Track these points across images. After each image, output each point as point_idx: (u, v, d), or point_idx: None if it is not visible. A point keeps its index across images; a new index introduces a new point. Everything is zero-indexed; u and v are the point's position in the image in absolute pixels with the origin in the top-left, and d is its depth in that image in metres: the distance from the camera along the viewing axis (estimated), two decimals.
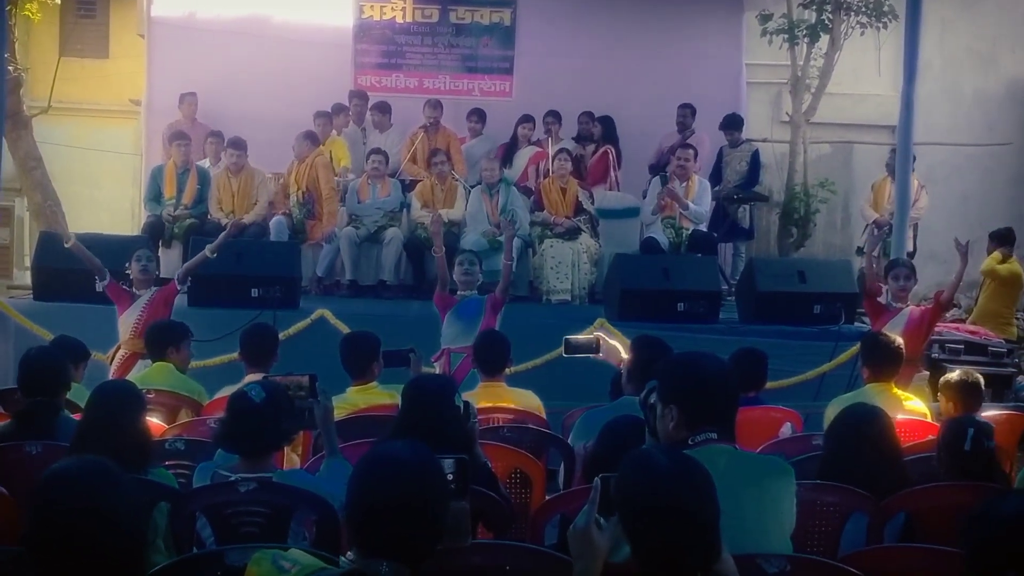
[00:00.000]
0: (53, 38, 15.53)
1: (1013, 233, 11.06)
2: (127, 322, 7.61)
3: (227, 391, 5.15)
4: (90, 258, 7.73)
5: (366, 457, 2.67)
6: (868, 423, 4.31)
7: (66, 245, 7.91)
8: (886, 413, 4.44)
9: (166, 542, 3.81)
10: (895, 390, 5.96)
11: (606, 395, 5.55)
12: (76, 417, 4.66)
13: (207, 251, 7.91)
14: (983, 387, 6.12)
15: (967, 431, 4.38)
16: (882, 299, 8.13)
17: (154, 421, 5.25)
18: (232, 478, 3.82)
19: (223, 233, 8.25)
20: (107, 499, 2.63)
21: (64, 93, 14.48)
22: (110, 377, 7.25)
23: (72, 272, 8.92)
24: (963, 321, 11.05)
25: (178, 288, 7.87)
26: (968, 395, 5.98)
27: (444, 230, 10.32)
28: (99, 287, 7.76)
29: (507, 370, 6.20)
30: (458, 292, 7.73)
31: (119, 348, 7.65)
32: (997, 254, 10.86)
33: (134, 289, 7.71)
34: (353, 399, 5.69)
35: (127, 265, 7.75)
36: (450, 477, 2.86)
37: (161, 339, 6.56)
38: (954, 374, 6.15)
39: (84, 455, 3.05)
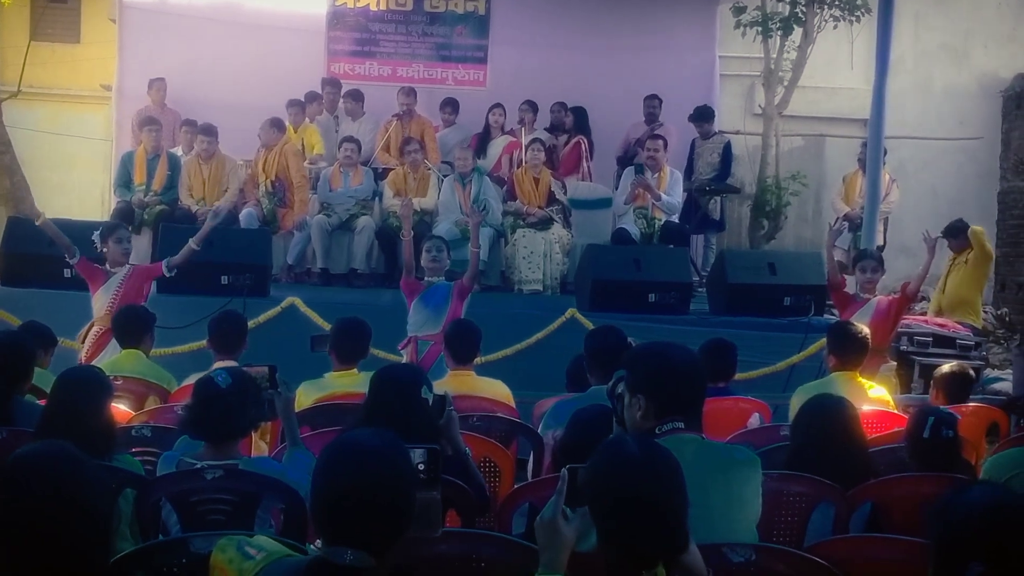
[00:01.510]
0: (24, 22, 15.36)
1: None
2: (102, 299, 7.45)
3: (194, 378, 5.12)
4: (59, 235, 7.62)
5: (331, 445, 2.65)
6: (832, 414, 4.34)
7: (36, 223, 7.85)
8: (851, 403, 4.47)
9: (131, 529, 3.80)
10: (859, 379, 6.03)
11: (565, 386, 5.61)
12: (41, 403, 4.62)
13: (192, 244, 7.78)
14: (973, 381, 6.27)
15: (928, 420, 4.42)
16: (849, 289, 8.19)
17: (121, 408, 5.23)
18: (198, 465, 3.81)
19: (206, 224, 8.07)
20: (72, 485, 2.61)
21: (34, 77, 14.36)
22: (83, 355, 7.23)
23: (41, 257, 8.88)
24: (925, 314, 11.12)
25: (165, 272, 7.76)
26: (953, 387, 6.14)
27: (417, 219, 10.38)
28: (71, 264, 7.66)
29: (477, 359, 6.20)
30: (425, 278, 7.70)
31: (92, 325, 7.49)
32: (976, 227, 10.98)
33: (107, 267, 7.60)
34: (332, 383, 5.69)
35: (102, 243, 7.58)
36: (421, 467, 2.86)
37: (137, 326, 6.49)
38: (947, 366, 6.34)
39: (50, 440, 3.03)
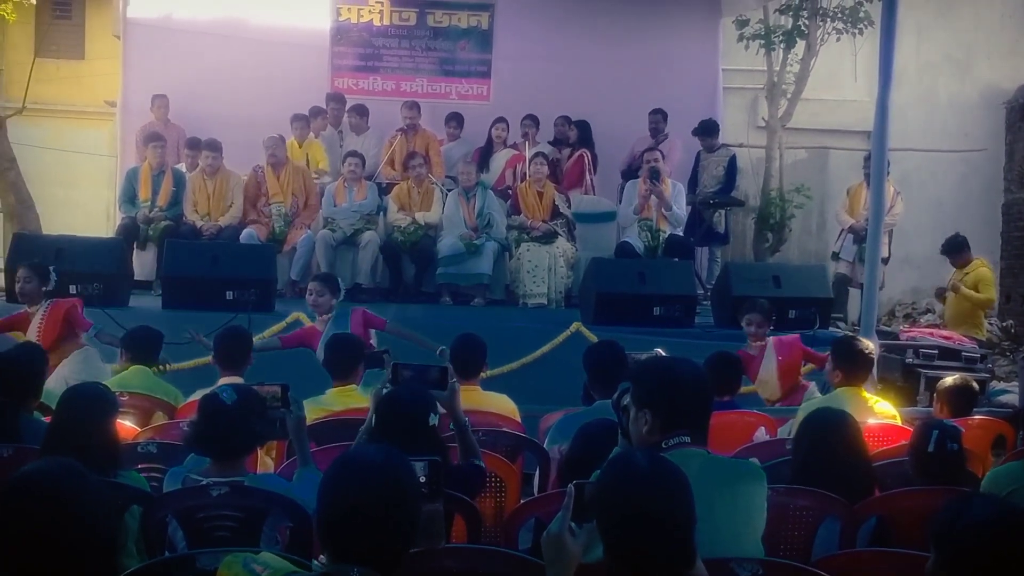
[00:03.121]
0: (28, 38, 15.45)
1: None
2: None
3: (200, 394, 5.12)
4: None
5: (338, 461, 2.66)
6: (835, 427, 4.34)
7: None
8: (852, 417, 4.47)
9: (137, 545, 3.80)
10: (864, 393, 6.01)
11: (580, 399, 5.59)
12: (47, 419, 4.63)
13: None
14: (977, 394, 6.25)
15: (932, 433, 4.42)
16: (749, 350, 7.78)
17: (127, 424, 5.23)
18: (204, 482, 3.80)
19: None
20: (78, 501, 2.61)
21: (39, 94, 14.41)
22: None
23: None
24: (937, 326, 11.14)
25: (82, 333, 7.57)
26: (957, 400, 6.12)
27: (421, 234, 10.41)
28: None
29: (482, 374, 6.20)
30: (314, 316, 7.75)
31: None
32: (984, 269, 11.00)
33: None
34: (331, 400, 5.69)
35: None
36: (423, 480, 2.86)
37: (155, 344, 6.60)
38: (950, 379, 6.31)
39: (55, 457, 3.03)
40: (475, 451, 4.29)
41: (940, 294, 11.37)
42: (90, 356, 7.48)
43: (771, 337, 7.85)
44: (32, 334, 7.38)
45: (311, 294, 7.74)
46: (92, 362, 7.40)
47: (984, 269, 11.01)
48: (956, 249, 11.10)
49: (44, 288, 7.63)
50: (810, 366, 7.83)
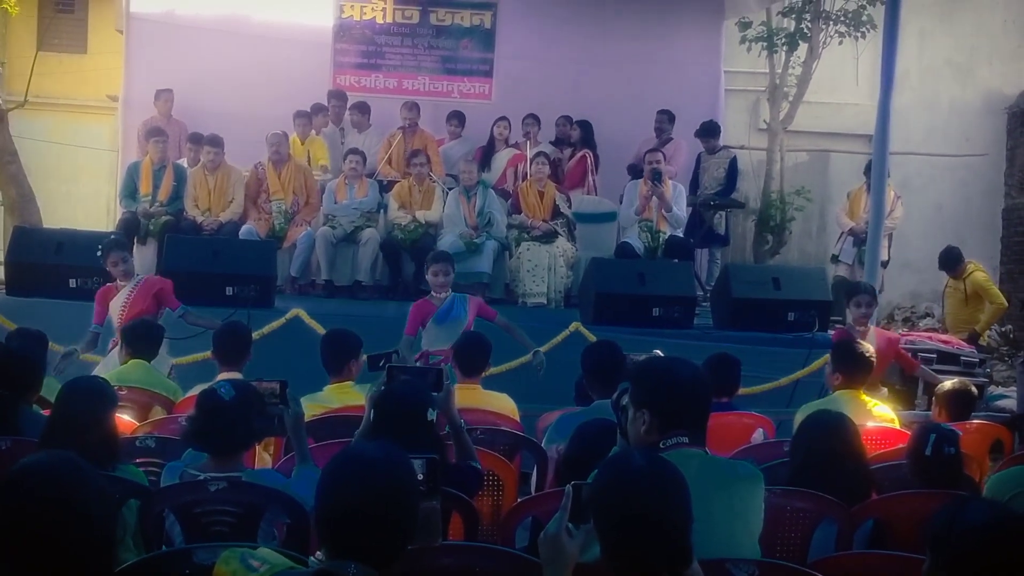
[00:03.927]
0: (31, 32, 15.44)
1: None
2: (114, 311, 7.55)
3: (199, 389, 5.12)
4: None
5: (337, 457, 2.66)
6: (833, 430, 4.34)
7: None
8: (851, 420, 4.47)
9: (135, 540, 3.80)
10: (863, 396, 6.01)
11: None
12: (45, 412, 4.63)
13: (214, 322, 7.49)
14: (975, 398, 6.26)
15: (929, 437, 4.42)
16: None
17: (125, 418, 5.23)
18: (201, 477, 3.81)
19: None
20: (77, 495, 2.60)
21: (41, 88, 14.40)
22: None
23: (46, 267, 8.93)
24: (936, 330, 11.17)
25: (175, 309, 7.76)
26: (955, 404, 6.13)
27: (421, 232, 10.40)
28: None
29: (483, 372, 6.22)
30: (432, 294, 7.72)
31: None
32: (978, 274, 11.02)
33: (116, 282, 7.67)
34: (328, 397, 5.69)
35: (103, 262, 7.67)
36: (420, 477, 2.86)
37: (155, 338, 6.63)
38: (948, 383, 6.32)
39: (54, 450, 3.03)
40: (471, 454, 4.30)
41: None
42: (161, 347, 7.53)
43: (878, 330, 8.09)
44: (116, 307, 7.53)
45: (438, 275, 7.71)
46: (162, 351, 7.39)
47: (979, 274, 11.03)
48: (952, 262, 11.16)
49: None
50: None
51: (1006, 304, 11.34)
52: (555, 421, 5.21)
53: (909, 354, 8.37)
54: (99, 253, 7.66)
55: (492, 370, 6.95)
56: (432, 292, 7.77)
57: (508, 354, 8.07)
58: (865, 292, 8.04)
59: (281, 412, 4.23)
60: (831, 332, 8.15)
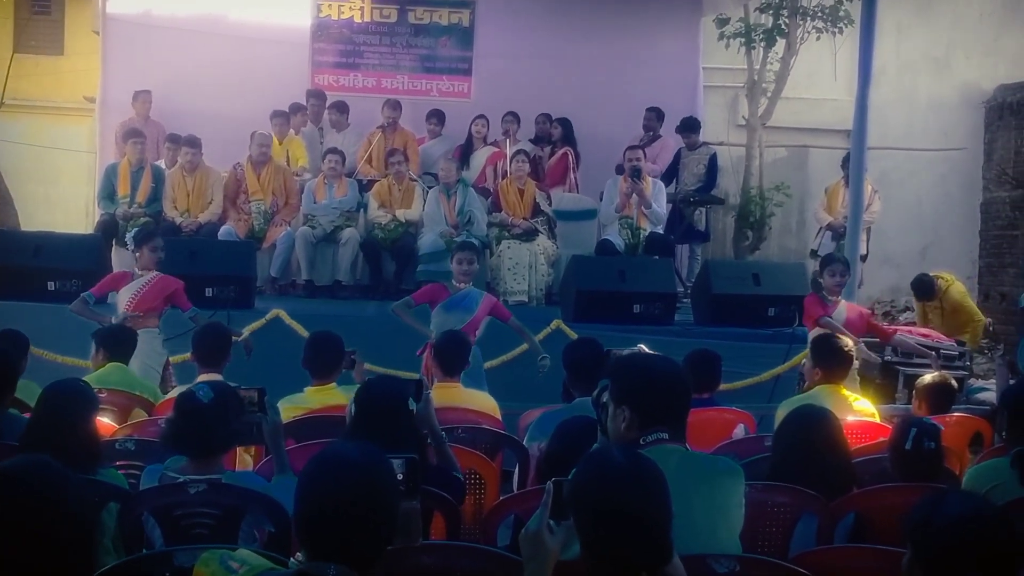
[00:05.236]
0: (7, 34, 15.32)
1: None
2: (124, 296, 7.70)
3: (178, 391, 5.10)
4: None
5: (315, 458, 2.65)
6: (815, 424, 4.36)
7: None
8: (833, 414, 4.48)
9: (115, 543, 3.78)
10: (844, 391, 6.03)
11: (560, 397, 5.60)
12: (25, 416, 4.60)
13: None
14: (956, 391, 6.30)
15: (910, 431, 4.44)
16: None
17: (105, 421, 5.20)
18: (181, 479, 3.79)
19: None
20: (54, 498, 2.60)
21: (18, 90, 14.34)
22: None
23: (24, 270, 8.87)
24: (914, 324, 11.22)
25: (184, 311, 7.90)
26: (936, 397, 6.15)
27: (401, 231, 10.39)
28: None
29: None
30: (453, 283, 7.78)
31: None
32: (952, 290, 11.18)
33: (136, 269, 7.83)
34: (308, 399, 5.66)
35: (136, 246, 7.87)
36: (400, 477, 2.85)
37: (131, 341, 6.64)
38: (928, 376, 6.34)
39: (33, 454, 3.01)
40: (453, 463, 4.28)
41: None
42: (156, 343, 7.67)
43: (851, 304, 8.31)
44: (125, 295, 7.68)
45: (461, 263, 7.79)
46: (157, 347, 7.67)
47: (953, 290, 11.26)
48: (927, 289, 11.37)
49: None
50: None
51: (984, 319, 11.74)
52: (536, 419, 5.20)
53: (879, 324, 8.52)
54: (131, 235, 7.98)
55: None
56: (453, 280, 7.80)
57: (487, 353, 8.07)
58: (839, 261, 8.34)
59: (259, 420, 4.20)
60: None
